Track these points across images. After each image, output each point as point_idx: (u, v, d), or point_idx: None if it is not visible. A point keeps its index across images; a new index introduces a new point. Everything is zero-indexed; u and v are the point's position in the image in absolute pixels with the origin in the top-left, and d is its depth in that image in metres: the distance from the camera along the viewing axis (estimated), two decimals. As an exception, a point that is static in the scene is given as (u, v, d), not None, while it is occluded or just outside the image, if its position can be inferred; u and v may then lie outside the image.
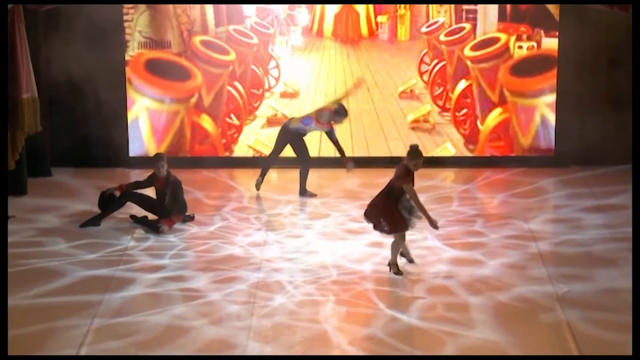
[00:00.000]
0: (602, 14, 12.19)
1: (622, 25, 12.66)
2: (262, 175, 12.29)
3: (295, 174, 12.26)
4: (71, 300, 8.86)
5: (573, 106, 13.24)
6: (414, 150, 9.30)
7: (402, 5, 13.34)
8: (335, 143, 12.03)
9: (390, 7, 13.35)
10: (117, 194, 11.02)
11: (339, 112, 11.97)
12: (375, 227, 9.51)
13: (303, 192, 12.15)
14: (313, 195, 12.09)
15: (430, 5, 13.31)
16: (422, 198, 11.79)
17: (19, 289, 8.95)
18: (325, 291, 9.09)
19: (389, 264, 9.53)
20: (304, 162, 12.18)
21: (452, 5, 13.28)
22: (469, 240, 10.57)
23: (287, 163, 12.61)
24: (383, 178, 9.63)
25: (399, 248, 9.51)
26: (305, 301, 8.87)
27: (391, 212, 9.35)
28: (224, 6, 13.28)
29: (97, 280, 9.35)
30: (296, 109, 13.47)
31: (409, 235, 10.45)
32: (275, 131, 13.29)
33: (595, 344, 8.03)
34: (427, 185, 12.28)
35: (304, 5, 13.36)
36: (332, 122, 11.98)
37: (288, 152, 12.20)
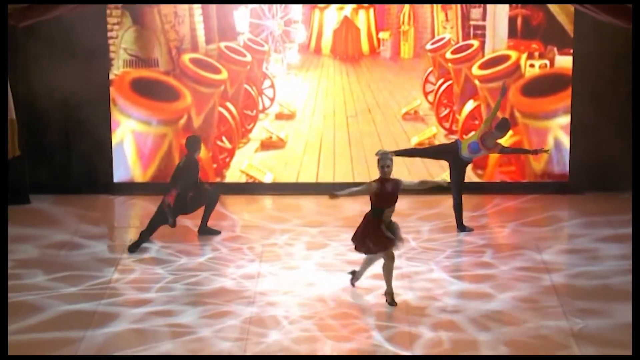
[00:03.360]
0: (619, 30, 12.23)
1: (640, 42, 12.71)
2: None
3: (290, 200, 12.22)
4: (51, 336, 8.85)
5: (588, 128, 13.24)
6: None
7: (406, 21, 13.41)
8: (516, 151, 12.59)
9: (393, 23, 13.42)
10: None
11: (501, 127, 11.72)
12: (358, 249, 9.65)
13: (461, 226, 11.86)
14: (471, 230, 11.85)
15: (435, 21, 13.37)
16: (428, 227, 11.94)
17: (-5, 325, 8.95)
18: (323, 327, 9.08)
19: (385, 293, 9.59)
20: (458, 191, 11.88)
21: (459, 21, 13.34)
22: (478, 272, 10.57)
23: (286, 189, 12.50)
24: (385, 205, 9.67)
25: (391, 272, 9.56)
26: (302, 337, 8.86)
27: (374, 230, 9.50)
28: (215, 22, 13.33)
29: (78, 316, 9.34)
30: (292, 131, 13.51)
31: (415, 267, 10.48)
32: (269, 155, 13.30)
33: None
34: (433, 213, 12.30)
35: (300, 21, 13.42)
36: (497, 140, 11.74)
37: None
